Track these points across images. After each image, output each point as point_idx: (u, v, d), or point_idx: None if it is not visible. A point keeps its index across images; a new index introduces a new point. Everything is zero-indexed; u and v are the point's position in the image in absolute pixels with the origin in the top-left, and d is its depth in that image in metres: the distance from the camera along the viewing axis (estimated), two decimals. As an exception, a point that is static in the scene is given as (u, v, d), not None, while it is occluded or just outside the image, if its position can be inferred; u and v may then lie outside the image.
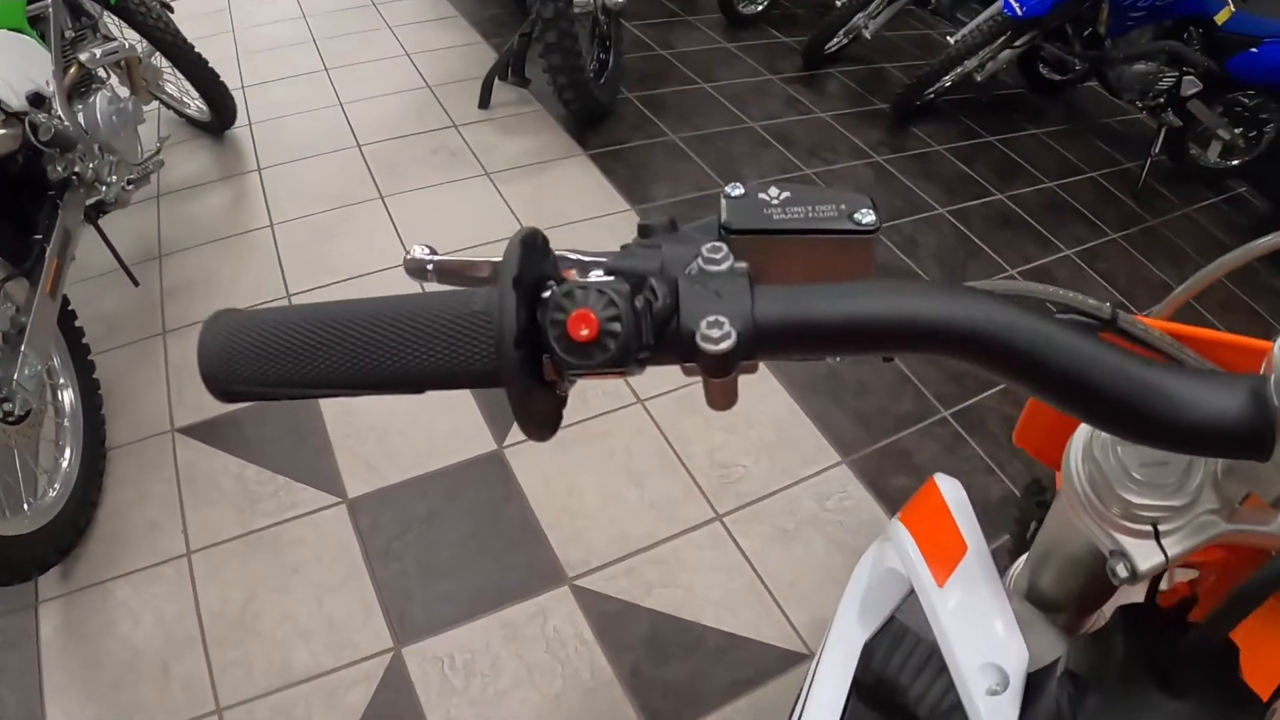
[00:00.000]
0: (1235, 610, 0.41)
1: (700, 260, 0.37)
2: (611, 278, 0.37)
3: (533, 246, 0.37)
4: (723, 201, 0.43)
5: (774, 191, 0.43)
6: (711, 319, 0.35)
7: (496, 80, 3.22)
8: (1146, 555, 0.45)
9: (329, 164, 2.90)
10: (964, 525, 0.66)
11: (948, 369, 2.35)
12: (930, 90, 3.41)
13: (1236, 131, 3.65)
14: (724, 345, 0.34)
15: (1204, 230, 3.48)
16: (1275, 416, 0.33)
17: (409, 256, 0.46)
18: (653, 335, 0.36)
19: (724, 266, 0.37)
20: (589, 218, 2.81)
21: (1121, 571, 0.45)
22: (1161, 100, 3.46)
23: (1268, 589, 0.39)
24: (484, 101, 3.24)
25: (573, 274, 0.40)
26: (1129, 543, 0.45)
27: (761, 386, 2.24)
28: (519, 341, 0.34)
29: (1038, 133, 3.69)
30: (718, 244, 0.38)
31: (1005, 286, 0.56)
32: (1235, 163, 3.77)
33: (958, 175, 3.25)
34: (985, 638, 0.59)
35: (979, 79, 3.41)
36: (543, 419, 0.38)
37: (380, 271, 2.46)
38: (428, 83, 3.38)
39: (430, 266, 0.46)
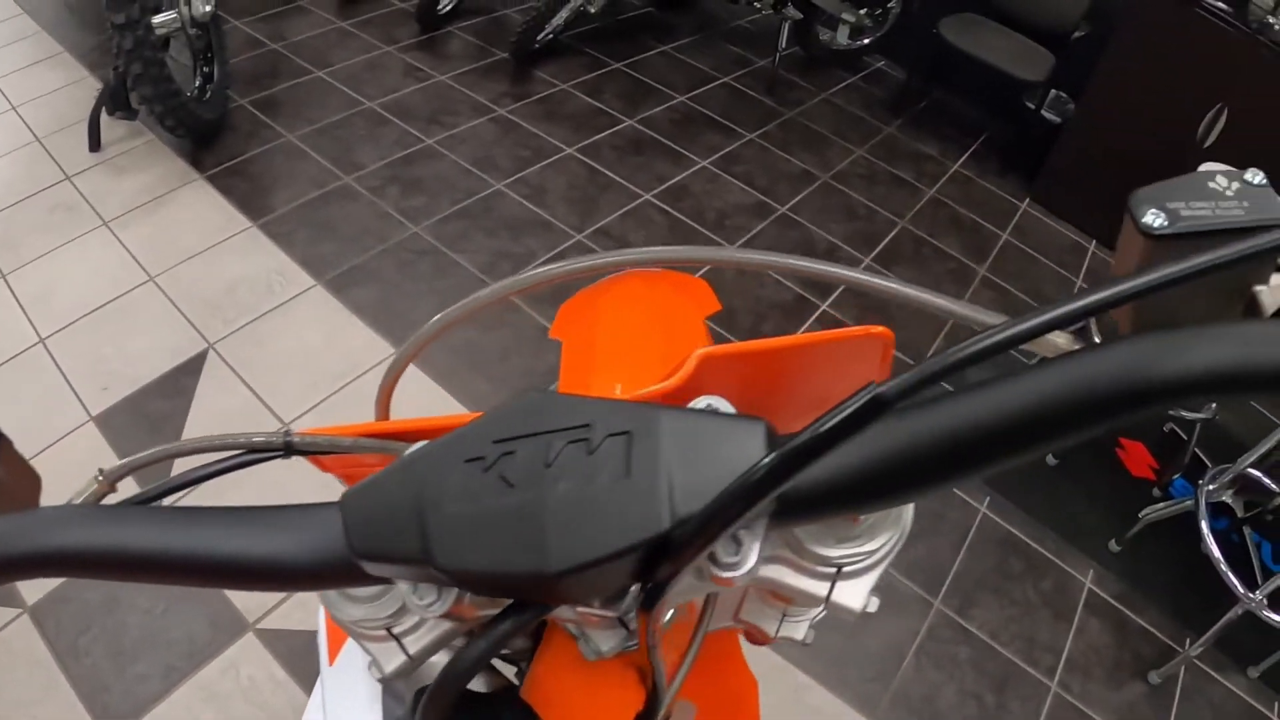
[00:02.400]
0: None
1: None
2: None
3: None
4: None
5: None
6: None
7: (104, 117, 2.87)
8: (389, 658, 0.43)
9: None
10: None
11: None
12: (547, 31, 3.29)
13: (861, 12, 3.75)
14: None
15: (842, 110, 3.56)
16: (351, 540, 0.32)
17: None
18: None
19: None
20: (211, 245, 2.54)
21: (375, 673, 0.44)
22: (779, -4, 3.49)
23: (453, 682, 0.34)
24: (94, 144, 2.87)
25: None
26: (375, 648, 0.43)
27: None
28: None
29: (667, 49, 3.66)
30: None
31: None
32: (867, 41, 3.88)
33: (585, 110, 3.15)
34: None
35: (593, 10, 3.32)
36: None
37: (10, 360, 2.14)
38: (36, 135, 2.96)
39: None
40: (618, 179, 2.83)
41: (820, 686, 1.75)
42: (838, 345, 0.49)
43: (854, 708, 1.74)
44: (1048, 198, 3.31)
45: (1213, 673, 2.02)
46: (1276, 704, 2.02)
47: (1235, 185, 0.36)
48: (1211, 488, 2.06)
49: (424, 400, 2.12)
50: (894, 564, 1.85)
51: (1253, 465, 2.15)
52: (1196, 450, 2.38)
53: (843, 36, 3.79)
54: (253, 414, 2.07)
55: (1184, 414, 2.35)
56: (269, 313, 2.32)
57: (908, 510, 0.38)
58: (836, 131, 3.40)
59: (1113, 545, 2.19)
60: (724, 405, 0.35)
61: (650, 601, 0.32)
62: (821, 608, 0.55)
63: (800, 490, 0.31)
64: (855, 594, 0.38)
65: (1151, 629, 2.06)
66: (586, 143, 2.97)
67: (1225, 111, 2.76)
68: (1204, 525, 1.99)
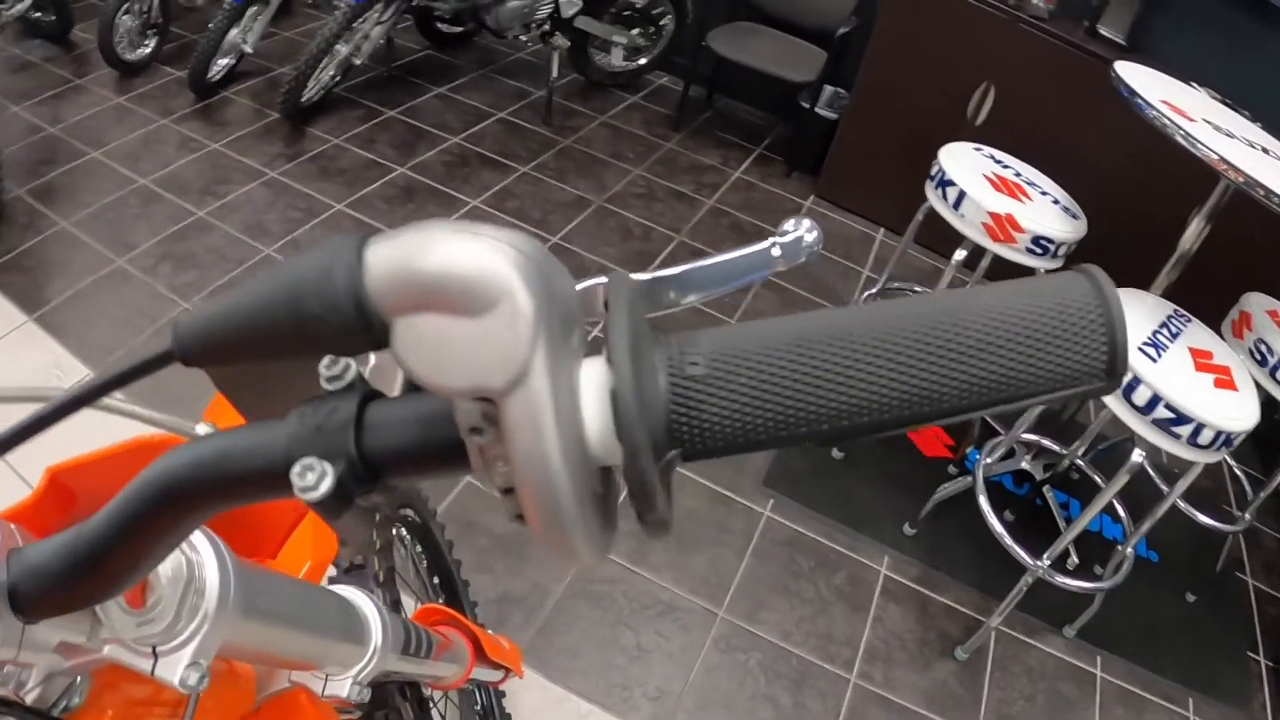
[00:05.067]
0: None
1: None
2: None
3: None
4: None
5: None
6: None
7: None
8: None
9: None
10: None
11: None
12: (315, 88, 3.36)
13: (633, 32, 3.91)
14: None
15: (620, 131, 3.72)
16: None
17: None
18: None
19: None
20: (-17, 346, 2.54)
21: None
22: (547, 27, 3.61)
23: None
24: None
25: None
26: None
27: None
28: None
29: (443, 91, 3.76)
30: None
31: None
32: (644, 61, 4.04)
33: (358, 163, 3.24)
34: None
35: (359, 62, 3.40)
36: None
37: None
38: None
39: None
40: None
41: (603, 711, 1.79)
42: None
43: (641, 728, 1.78)
44: (832, 192, 3.53)
45: (1025, 639, 2.13)
46: (1099, 657, 2.14)
47: None
48: (989, 461, 2.19)
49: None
50: (674, 580, 1.95)
51: (1032, 430, 2.30)
52: (987, 419, 2.47)
53: (617, 58, 3.95)
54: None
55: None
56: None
57: (210, 578, 0.45)
58: (614, 154, 3.55)
59: (906, 529, 2.27)
60: None
61: None
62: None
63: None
64: (173, 668, 0.43)
65: (956, 605, 2.15)
66: (357, 196, 3.06)
67: (992, 89, 2.98)
68: (982, 501, 2.08)
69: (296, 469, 0.29)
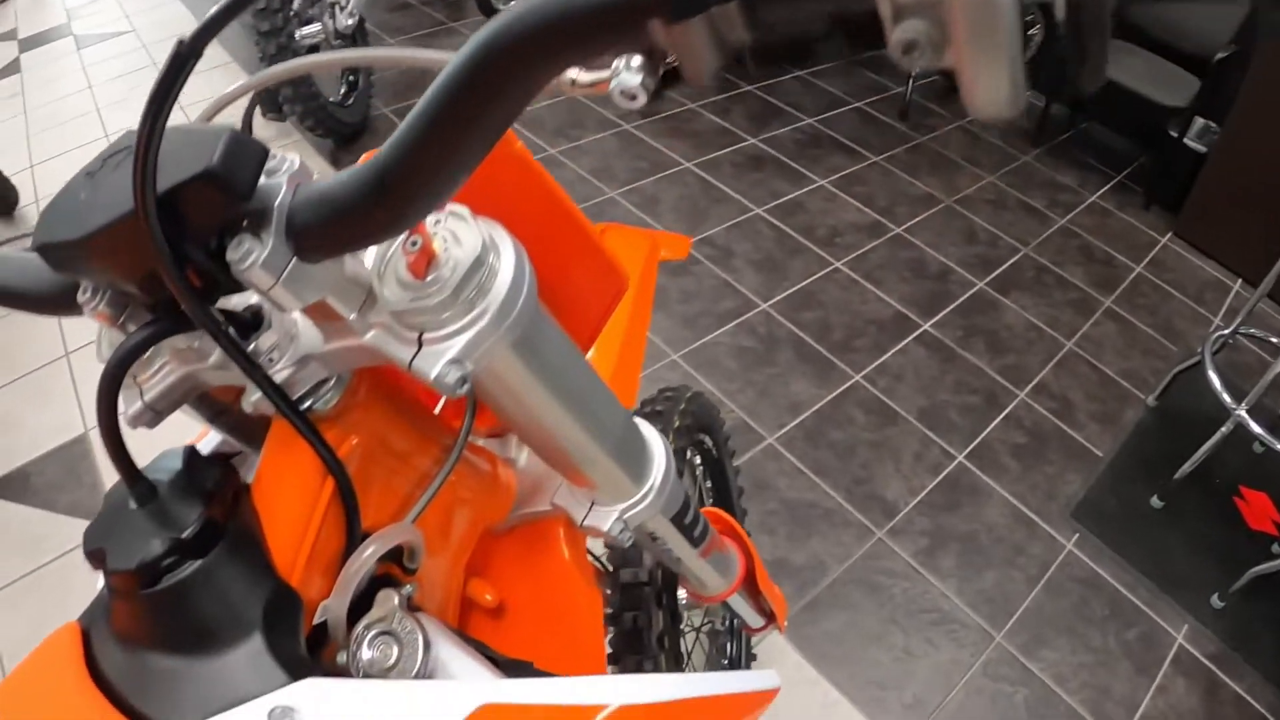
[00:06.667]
0: None
1: None
2: None
3: None
4: None
5: None
6: None
7: (258, 118, 3.21)
8: (131, 403, 0.46)
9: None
10: None
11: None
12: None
13: (1005, 39, 3.68)
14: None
15: (978, 138, 3.49)
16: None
17: None
18: None
19: None
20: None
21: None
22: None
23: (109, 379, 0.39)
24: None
25: None
26: (126, 394, 0.47)
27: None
28: None
29: (802, 75, 3.70)
30: None
31: None
32: (1010, 70, 3.78)
33: (711, 129, 3.24)
34: None
35: (727, 33, 3.42)
36: None
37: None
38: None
39: None
40: (731, 193, 2.89)
41: (852, 705, 1.66)
42: None
43: (882, 736, 1.66)
44: (1192, 233, 3.11)
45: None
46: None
47: None
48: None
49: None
50: (957, 591, 1.76)
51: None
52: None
53: (984, 65, 3.72)
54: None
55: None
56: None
57: (500, 279, 0.39)
58: (969, 158, 3.34)
59: (1215, 601, 1.99)
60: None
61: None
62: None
63: (305, 218, 0.35)
64: (433, 360, 0.39)
65: (1249, 698, 1.86)
66: (706, 158, 3.05)
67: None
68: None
69: None
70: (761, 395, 2.21)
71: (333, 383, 0.45)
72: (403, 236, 0.38)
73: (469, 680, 0.47)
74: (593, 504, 0.60)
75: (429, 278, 0.38)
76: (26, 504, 1.96)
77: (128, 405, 0.46)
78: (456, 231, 0.40)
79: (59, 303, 0.43)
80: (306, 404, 0.45)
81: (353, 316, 0.41)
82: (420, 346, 0.39)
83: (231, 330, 0.40)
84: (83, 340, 2.35)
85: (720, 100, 3.43)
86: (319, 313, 0.41)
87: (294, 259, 0.35)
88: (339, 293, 0.40)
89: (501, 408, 0.47)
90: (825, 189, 2.98)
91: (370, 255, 0.41)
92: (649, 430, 0.62)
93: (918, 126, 3.47)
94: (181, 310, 0.38)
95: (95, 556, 0.40)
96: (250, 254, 0.34)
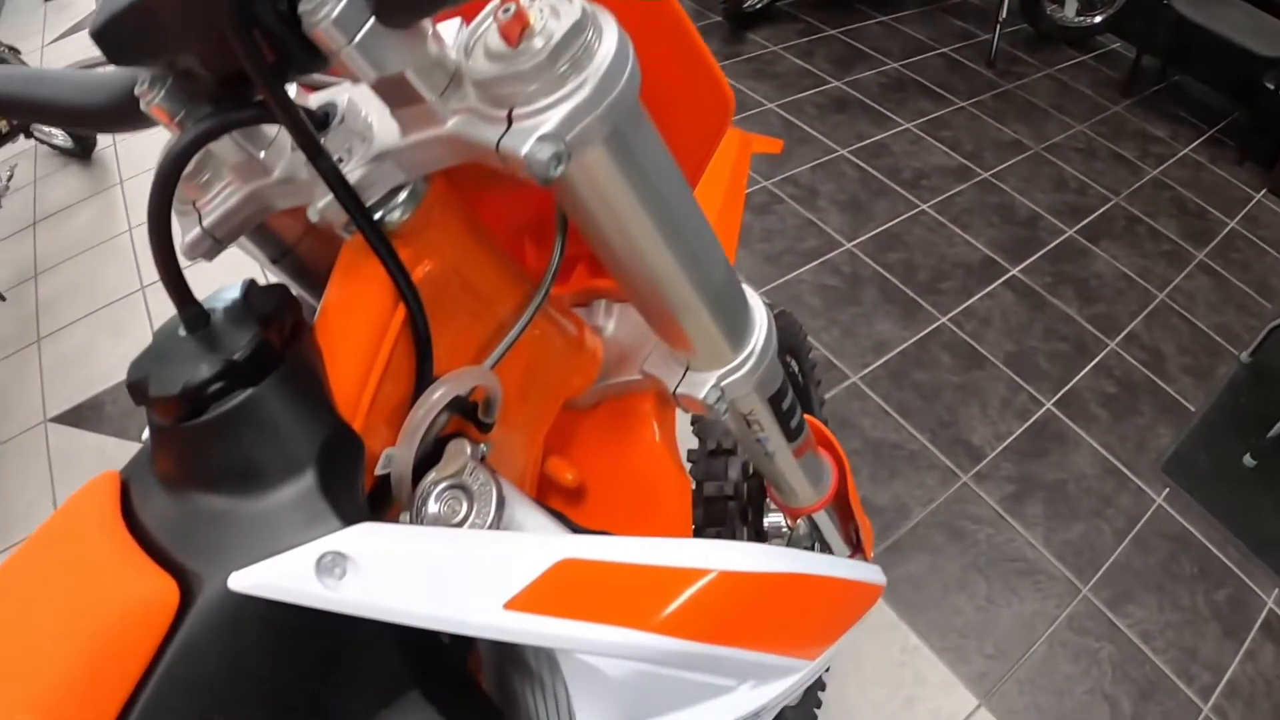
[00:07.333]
0: None
1: None
2: None
3: None
4: None
5: None
6: None
7: None
8: (189, 228, 0.46)
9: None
10: None
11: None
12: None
13: (1094, -14, 3.56)
14: None
15: (1068, 87, 3.39)
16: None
17: None
18: None
19: None
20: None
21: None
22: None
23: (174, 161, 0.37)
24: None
25: None
26: (184, 222, 0.46)
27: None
28: None
29: (886, 19, 3.62)
30: None
31: None
32: (1099, 19, 3.66)
33: (794, 71, 3.18)
34: None
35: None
36: None
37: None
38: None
39: None
40: (815, 134, 2.84)
41: (932, 653, 1.63)
42: None
43: (964, 684, 1.59)
44: (1288, 186, 3.00)
45: None
46: None
47: None
48: None
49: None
50: (1044, 541, 1.71)
51: None
52: None
53: (1071, 11, 3.60)
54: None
55: None
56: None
57: (602, 53, 0.35)
58: (1057, 106, 3.24)
59: None
60: None
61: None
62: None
63: None
64: (524, 138, 0.34)
65: None
66: (788, 100, 3.00)
67: None
68: None
69: None
70: (846, 334, 2.19)
71: (406, 193, 0.42)
72: (495, 2, 0.34)
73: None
74: (686, 369, 0.53)
75: (521, 45, 0.34)
76: (102, 432, 2.02)
77: (185, 232, 0.43)
78: (555, 5, 0.35)
79: (118, 115, 0.41)
80: (378, 214, 0.41)
81: (435, 99, 0.37)
82: (510, 124, 0.35)
83: (300, 110, 0.36)
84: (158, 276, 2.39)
85: (802, 43, 3.36)
86: (398, 95, 0.37)
87: (372, 18, 0.32)
88: (421, 71, 0.36)
89: (593, 222, 0.41)
90: (910, 132, 2.92)
91: (457, 37, 0.38)
92: (749, 291, 0.55)
93: (1005, 74, 3.37)
94: (246, 100, 0.35)
95: (137, 389, 0.36)
96: (324, 5, 0.31)
